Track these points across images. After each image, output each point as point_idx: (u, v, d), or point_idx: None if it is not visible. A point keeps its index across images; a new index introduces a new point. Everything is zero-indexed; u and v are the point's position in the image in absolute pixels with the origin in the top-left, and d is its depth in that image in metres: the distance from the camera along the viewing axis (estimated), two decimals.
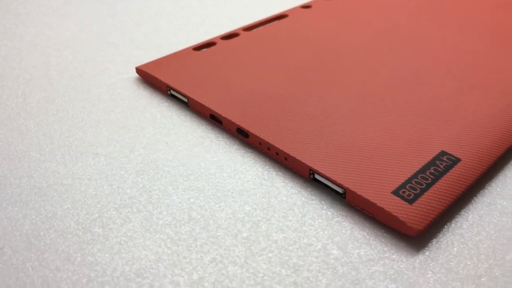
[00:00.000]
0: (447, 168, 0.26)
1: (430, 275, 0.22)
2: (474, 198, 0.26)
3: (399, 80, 0.34)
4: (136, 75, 0.37)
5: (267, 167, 0.28)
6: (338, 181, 0.25)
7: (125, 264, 0.22)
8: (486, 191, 0.27)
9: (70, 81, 0.36)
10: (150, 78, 0.35)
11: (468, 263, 0.22)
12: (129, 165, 0.28)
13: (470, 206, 0.26)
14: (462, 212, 0.25)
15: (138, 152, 0.29)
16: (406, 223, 0.23)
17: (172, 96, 0.34)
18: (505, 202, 0.26)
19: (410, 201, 0.24)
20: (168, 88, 0.34)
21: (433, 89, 0.33)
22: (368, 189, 0.25)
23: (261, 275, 0.22)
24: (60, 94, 0.35)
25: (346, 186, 0.25)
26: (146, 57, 0.40)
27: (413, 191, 0.25)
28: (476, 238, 0.24)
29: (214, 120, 0.32)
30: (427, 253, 0.23)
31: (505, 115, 0.30)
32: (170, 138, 0.30)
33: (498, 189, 0.27)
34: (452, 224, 0.25)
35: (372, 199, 0.24)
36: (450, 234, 0.24)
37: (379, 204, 0.24)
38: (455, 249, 0.23)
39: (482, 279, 0.22)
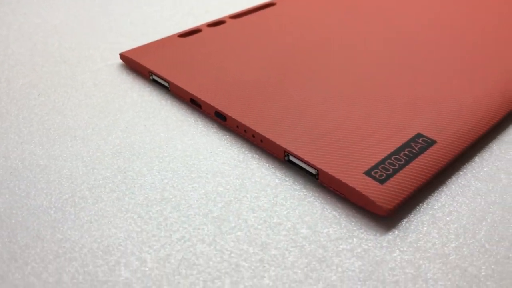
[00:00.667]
0: (422, 150, 0.26)
1: (397, 254, 0.22)
2: (449, 180, 0.26)
3: (380, 67, 0.34)
4: (121, 61, 0.37)
5: (243, 150, 0.28)
6: (311, 162, 0.25)
7: (94, 242, 0.22)
8: (461, 173, 0.26)
9: (55, 67, 0.36)
10: (133, 63, 0.36)
11: (436, 242, 0.22)
12: (106, 147, 0.28)
13: (444, 187, 0.25)
14: (435, 193, 0.25)
15: (116, 135, 0.29)
16: (376, 202, 0.23)
17: (154, 81, 0.34)
18: (479, 184, 0.26)
19: (381, 181, 0.24)
20: (150, 73, 0.34)
21: (412, 76, 0.33)
22: (340, 170, 0.25)
23: (228, 252, 0.22)
24: (43, 80, 0.35)
25: (319, 167, 0.25)
26: (132, 45, 0.40)
27: (385, 172, 0.25)
28: (447, 218, 0.24)
29: (194, 104, 0.32)
30: (396, 233, 0.23)
31: (482, 101, 0.30)
32: (149, 121, 0.30)
33: (474, 171, 0.27)
34: (424, 205, 0.24)
35: (344, 179, 0.24)
36: (421, 214, 0.24)
37: (350, 184, 0.24)
38: (425, 228, 0.23)
39: (450, 258, 0.22)
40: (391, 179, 0.24)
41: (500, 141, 0.29)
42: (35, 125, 0.30)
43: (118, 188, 0.25)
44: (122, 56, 0.36)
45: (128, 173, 0.26)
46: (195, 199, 0.25)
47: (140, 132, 0.29)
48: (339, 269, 0.21)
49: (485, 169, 0.27)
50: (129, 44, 0.40)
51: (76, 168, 0.27)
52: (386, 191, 0.24)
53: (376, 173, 0.25)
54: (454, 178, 0.26)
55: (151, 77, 0.34)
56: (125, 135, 0.29)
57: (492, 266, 0.21)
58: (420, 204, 0.24)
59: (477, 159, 0.27)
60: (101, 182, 0.26)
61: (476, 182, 0.26)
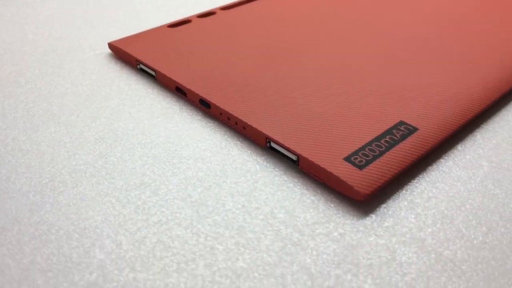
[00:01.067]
0: (403, 137, 0.26)
1: (373, 238, 0.22)
2: (430, 167, 0.26)
3: (365, 58, 0.34)
4: (109, 51, 0.37)
5: (226, 137, 0.28)
6: (292, 148, 0.25)
7: (71, 225, 0.22)
8: (442, 160, 0.26)
9: (43, 56, 0.36)
10: (121, 53, 0.36)
11: (413, 227, 0.22)
12: (89, 133, 0.28)
13: (424, 174, 0.25)
14: (415, 180, 0.25)
15: (100, 121, 0.29)
16: (353, 187, 0.23)
17: (142, 70, 0.34)
18: (460, 171, 0.26)
19: (360, 167, 0.24)
20: (137, 62, 0.34)
21: (397, 66, 0.33)
22: (320, 156, 0.25)
23: (204, 235, 0.22)
24: (31, 68, 0.35)
25: (299, 152, 0.25)
26: (122, 35, 0.40)
27: (365, 158, 0.25)
28: (426, 204, 0.24)
29: (180, 92, 0.32)
30: (373, 217, 0.23)
31: (466, 91, 0.30)
32: (134, 109, 0.30)
33: (456, 158, 0.26)
34: (403, 191, 0.24)
35: (322, 164, 0.24)
36: (400, 200, 0.24)
37: (328, 169, 0.24)
38: (403, 214, 0.23)
39: (426, 242, 0.22)
40: (371, 165, 0.24)
41: (484, 129, 0.29)
42: (20, 111, 0.30)
43: (98, 173, 0.25)
44: (111, 45, 0.36)
45: (110, 159, 0.26)
46: (175, 184, 0.25)
47: (124, 119, 0.29)
48: (314, 253, 0.21)
49: (467, 156, 0.27)
50: (120, 34, 0.40)
51: (57, 153, 0.27)
52: (364, 177, 0.24)
53: (355, 159, 0.25)
54: (435, 165, 0.26)
55: (138, 66, 0.34)
56: (109, 122, 0.29)
57: (468, 251, 0.21)
58: (400, 190, 0.24)
59: (459, 147, 0.27)
60: (81, 167, 0.26)
61: (457, 169, 0.26)
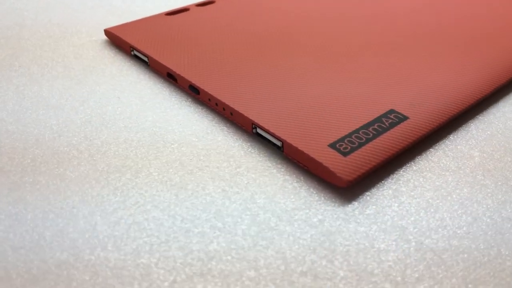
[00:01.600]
0: (392, 125, 0.25)
1: (352, 225, 0.21)
2: (419, 156, 0.25)
3: (358, 46, 0.33)
4: (105, 37, 0.37)
5: (213, 123, 0.28)
6: (277, 134, 0.25)
7: (48, 204, 0.22)
8: (432, 150, 0.26)
9: (39, 41, 0.36)
10: (117, 39, 0.35)
11: (395, 216, 0.22)
12: (76, 116, 0.28)
13: (412, 163, 0.25)
14: (403, 169, 0.24)
15: (88, 105, 0.29)
16: (336, 174, 0.22)
17: (135, 56, 0.34)
18: (450, 161, 0.25)
19: (345, 154, 0.23)
20: (131, 48, 0.34)
21: (390, 55, 0.32)
22: (304, 142, 0.24)
23: (181, 218, 0.22)
24: (26, 52, 0.35)
25: (284, 138, 0.25)
26: (120, 23, 0.40)
27: (351, 145, 0.24)
28: (411, 193, 0.23)
29: (171, 78, 0.31)
30: (355, 205, 0.22)
31: (460, 81, 0.29)
32: (124, 94, 0.30)
33: (446, 148, 0.26)
34: (389, 179, 0.24)
35: (306, 150, 0.24)
36: (384, 188, 0.23)
37: (312, 155, 0.23)
38: (386, 202, 0.22)
39: (407, 231, 0.21)
40: (356, 152, 0.24)
41: (479, 120, 0.28)
42: (10, 94, 0.30)
43: (81, 154, 0.25)
44: (107, 32, 0.36)
45: (94, 141, 0.26)
46: (156, 168, 0.24)
47: (113, 104, 0.29)
48: (291, 238, 0.21)
49: (458, 147, 0.26)
50: (118, 22, 0.40)
51: (42, 135, 0.27)
52: (348, 163, 0.23)
53: (341, 146, 0.24)
54: (424, 155, 0.25)
55: (132, 53, 0.34)
56: (97, 106, 0.29)
57: (451, 241, 0.20)
58: (385, 179, 0.24)
59: (452, 137, 0.27)
60: (65, 149, 0.26)
61: (447, 159, 0.25)
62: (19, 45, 0.36)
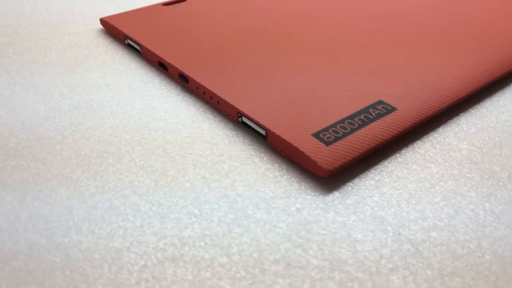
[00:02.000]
0: (379, 116, 0.25)
1: (331, 215, 0.21)
2: (405, 148, 0.25)
3: (350, 37, 0.33)
4: (101, 27, 0.37)
5: (200, 111, 0.28)
6: (260, 122, 0.25)
7: (27, 187, 0.22)
8: (420, 142, 0.25)
9: (35, 29, 0.37)
10: (111, 28, 0.35)
11: (375, 206, 0.21)
12: (64, 102, 0.28)
13: (398, 155, 0.24)
14: (388, 160, 0.24)
15: (77, 91, 0.29)
16: (317, 163, 0.22)
17: (129, 45, 0.34)
18: (437, 154, 0.24)
19: (328, 143, 0.23)
20: (125, 37, 0.34)
21: (381, 49, 0.32)
22: (288, 131, 0.24)
23: (158, 204, 0.21)
24: (21, 40, 0.35)
25: (267, 127, 0.24)
26: (117, 12, 0.40)
27: (335, 134, 0.24)
28: (394, 184, 0.22)
29: (162, 67, 0.31)
30: (336, 195, 0.22)
31: (451, 74, 0.29)
32: (114, 81, 0.30)
33: (435, 141, 0.25)
34: (373, 170, 0.23)
35: (289, 139, 0.23)
36: (367, 179, 0.23)
37: (294, 144, 0.23)
38: (367, 192, 0.22)
39: (386, 222, 0.20)
40: (339, 142, 0.23)
41: (471, 114, 0.27)
42: (1, 79, 0.30)
43: (65, 139, 0.25)
44: (102, 21, 0.36)
45: (79, 127, 0.26)
46: (139, 154, 0.24)
47: (102, 91, 0.29)
48: (267, 226, 0.20)
49: (447, 139, 0.25)
50: (115, 11, 0.40)
51: (29, 120, 0.27)
52: (330, 153, 0.23)
53: (324, 135, 0.24)
54: (411, 147, 0.25)
55: (126, 41, 0.34)
56: (86, 93, 0.29)
57: (430, 232, 0.20)
58: (369, 169, 0.23)
59: (441, 129, 0.26)
60: (50, 133, 0.26)
61: (434, 151, 0.25)
62: (16, 33, 0.36)
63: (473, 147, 0.25)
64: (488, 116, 0.27)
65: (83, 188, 0.22)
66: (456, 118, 0.27)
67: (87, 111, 0.27)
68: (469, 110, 0.28)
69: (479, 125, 0.26)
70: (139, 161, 0.24)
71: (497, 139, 0.25)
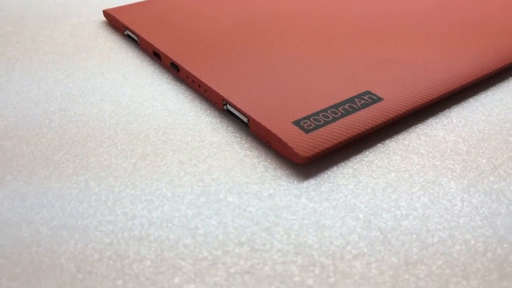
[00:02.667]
0: (364, 106, 0.25)
1: (304, 201, 0.21)
2: (389, 138, 0.24)
3: (341, 27, 0.33)
4: (104, 18, 0.38)
5: (188, 99, 0.28)
6: (243, 110, 0.25)
7: (9, 167, 0.23)
8: (405, 133, 0.25)
9: (40, 20, 0.37)
10: (113, 20, 0.36)
11: (349, 194, 0.21)
12: (57, 88, 0.29)
13: (380, 145, 0.24)
14: (370, 150, 0.24)
15: (71, 78, 0.30)
16: (293, 149, 0.22)
17: (128, 36, 0.35)
18: (421, 145, 0.24)
19: (307, 131, 0.23)
20: (124, 28, 0.35)
21: (370, 40, 0.31)
22: (269, 118, 0.24)
23: (132, 186, 0.22)
24: (25, 30, 0.36)
25: (249, 114, 0.24)
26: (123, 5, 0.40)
27: (316, 123, 0.23)
28: (372, 174, 0.22)
29: (156, 57, 0.31)
30: (312, 182, 0.22)
31: (444, 69, 0.28)
32: (109, 70, 0.31)
33: (421, 132, 0.25)
34: (353, 159, 0.23)
35: (268, 126, 0.23)
36: (346, 168, 0.22)
37: (273, 131, 0.23)
38: (343, 181, 0.22)
39: (357, 209, 0.20)
40: (319, 130, 0.23)
41: (463, 107, 0.27)
42: (1, 66, 0.31)
43: (53, 123, 0.26)
44: (105, 13, 0.37)
45: (68, 112, 0.27)
46: (121, 138, 0.25)
47: (96, 78, 0.30)
48: (237, 210, 0.20)
49: (434, 131, 0.25)
50: (120, 4, 0.40)
51: (21, 104, 0.27)
52: (308, 140, 0.22)
53: (305, 123, 0.23)
54: (395, 137, 0.24)
55: (125, 32, 0.35)
56: (80, 79, 0.29)
57: (401, 221, 0.20)
58: (349, 158, 0.23)
59: (429, 121, 0.26)
60: (38, 117, 0.26)
61: (418, 142, 0.24)
62: (21, 23, 0.37)
63: (459, 139, 0.24)
64: (481, 110, 0.26)
65: (62, 169, 0.22)
66: (447, 110, 0.26)
67: (78, 97, 0.28)
68: (462, 103, 0.27)
69: (469, 118, 0.26)
70: (120, 145, 0.24)
71: (486, 131, 0.25)
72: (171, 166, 0.23)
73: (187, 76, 0.29)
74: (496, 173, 0.22)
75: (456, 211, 0.20)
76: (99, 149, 0.24)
